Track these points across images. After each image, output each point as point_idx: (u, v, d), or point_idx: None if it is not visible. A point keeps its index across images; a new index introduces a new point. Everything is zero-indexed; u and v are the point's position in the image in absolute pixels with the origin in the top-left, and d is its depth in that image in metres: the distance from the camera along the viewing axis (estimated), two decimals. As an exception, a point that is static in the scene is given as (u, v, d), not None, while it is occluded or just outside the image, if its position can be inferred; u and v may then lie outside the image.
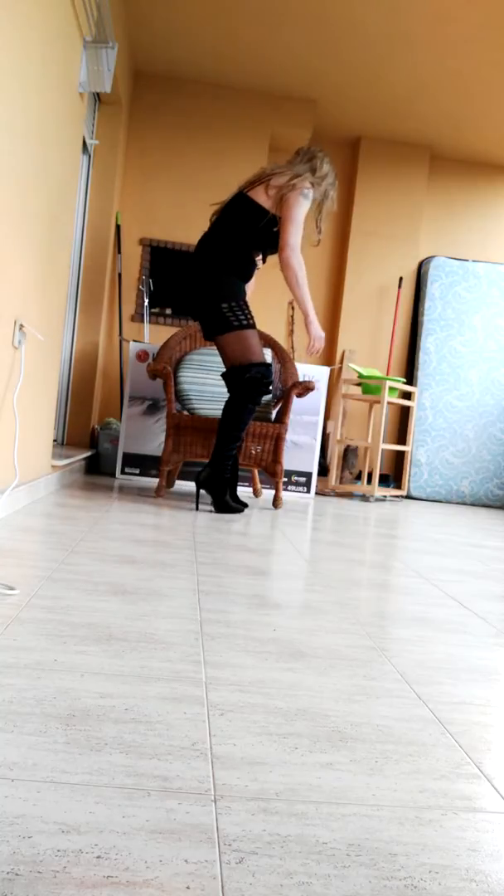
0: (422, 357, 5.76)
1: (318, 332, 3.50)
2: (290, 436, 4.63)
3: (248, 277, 3.52)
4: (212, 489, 3.41)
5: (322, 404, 4.63)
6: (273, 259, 3.64)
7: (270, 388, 3.43)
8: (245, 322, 3.38)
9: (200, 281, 3.41)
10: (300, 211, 3.39)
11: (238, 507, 3.44)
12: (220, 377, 4.09)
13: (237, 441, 3.40)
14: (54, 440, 4.69)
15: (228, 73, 5.14)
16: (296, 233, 3.38)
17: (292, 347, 5.96)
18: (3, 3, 2.10)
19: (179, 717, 1.01)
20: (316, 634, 1.51)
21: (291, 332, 5.95)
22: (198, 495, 3.48)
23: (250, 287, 3.73)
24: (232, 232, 3.43)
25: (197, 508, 3.45)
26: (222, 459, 3.40)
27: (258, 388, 3.35)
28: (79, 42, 3.20)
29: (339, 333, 5.93)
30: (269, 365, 3.40)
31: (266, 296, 5.47)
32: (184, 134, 5.34)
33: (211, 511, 3.41)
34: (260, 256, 3.58)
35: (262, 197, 3.42)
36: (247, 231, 3.43)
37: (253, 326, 3.40)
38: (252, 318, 3.41)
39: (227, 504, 3.41)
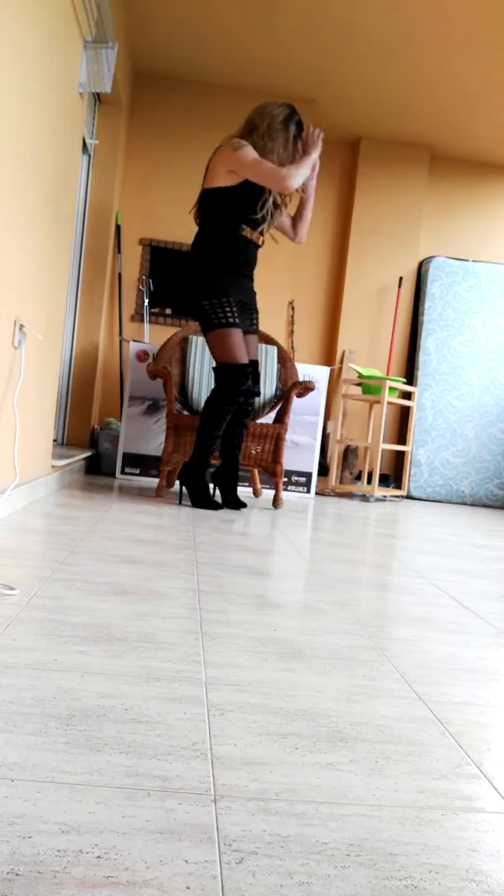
0: (422, 357, 5.75)
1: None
2: (290, 436, 4.63)
3: (245, 265, 3.47)
4: (188, 484, 3.49)
5: (322, 404, 4.63)
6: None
7: (255, 392, 3.49)
8: (224, 321, 3.38)
9: (190, 279, 3.48)
10: (247, 157, 3.28)
11: (216, 503, 3.47)
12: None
13: (213, 440, 3.45)
14: (54, 440, 4.69)
15: (228, 73, 5.14)
16: (267, 169, 3.24)
17: (292, 347, 5.96)
18: (3, 3, 2.10)
19: (179, 717, 1.01)
20: (316, 634, 1.51)
21: (291, 333, 5.95)
22: (181, 490, 3.63)
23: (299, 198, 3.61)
24: (211, 223, 3.45)
25: (180, 502, 3.56)
26: (199, 456, 3.47)
27: (237, 394, 3.41)
28: (79, 42, 3.20)
29: (339, 333, 5.93)
30: (249, 364, 3.43)
31: (266, 296, 5.46)
32: (184, 134, 5.34)
33: (219, 509, 3.42)
34: (255, 233, 3.50)
35: (215, 180, 3.40)
36: (223, 216, 3.42)
37: (234, 325, 3.39)
38: (234, 316, 3.39)
39: (204, 500, 3.46)
